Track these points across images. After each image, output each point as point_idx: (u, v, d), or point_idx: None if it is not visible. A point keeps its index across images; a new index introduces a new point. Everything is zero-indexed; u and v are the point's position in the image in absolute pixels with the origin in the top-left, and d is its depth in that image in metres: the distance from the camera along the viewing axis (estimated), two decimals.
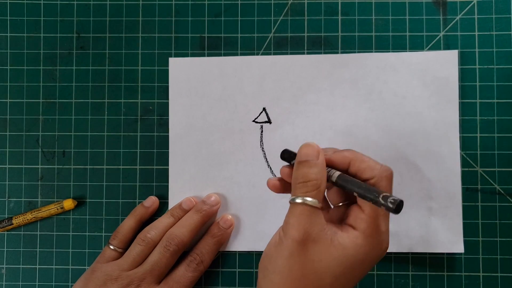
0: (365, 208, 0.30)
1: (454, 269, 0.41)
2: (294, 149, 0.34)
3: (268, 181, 0.35)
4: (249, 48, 0.43)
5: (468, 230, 0.41)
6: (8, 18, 0.44)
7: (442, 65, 0.41)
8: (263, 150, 0.42)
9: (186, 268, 0.39)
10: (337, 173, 0.31)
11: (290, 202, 0.31)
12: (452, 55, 0.41)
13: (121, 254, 0.40)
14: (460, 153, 0.41)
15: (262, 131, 0.42)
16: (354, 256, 0.30)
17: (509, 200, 0.41)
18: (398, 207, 0.28)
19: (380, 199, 0.29)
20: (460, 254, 0.41)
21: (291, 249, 0.30)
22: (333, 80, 0.42)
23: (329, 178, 0.31)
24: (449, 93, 0.41)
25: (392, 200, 0.28)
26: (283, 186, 0.34)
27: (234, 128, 0.42)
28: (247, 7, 0.43)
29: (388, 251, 0.40)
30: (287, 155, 0.34)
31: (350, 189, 0.30)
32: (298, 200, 0.30)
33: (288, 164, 0.34)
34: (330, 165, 0.32)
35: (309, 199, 0.30)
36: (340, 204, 0.34)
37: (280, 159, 0.34)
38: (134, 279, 0.37)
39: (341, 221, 0.32)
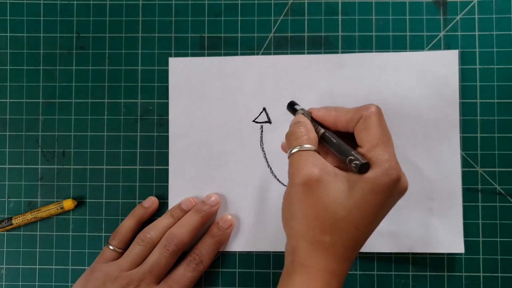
0: (362, 142, 0.32)
1: (454, 269, 0.41)
2: None
3: (282, 144, 0.39)
4: (249, 48, 0.43)
5: (469, 230, 0.41)
6: (8, 18, 0.44)
7: (443, 65, 0.41)
8: (263, 150, 0.42)
9: (185, 268, 0.39)
10: (322, 130, 0.34)
11: (288, 157, 0.33)
12: (453, 55, 0.41)
13: (121, 255, 0.40)
14: (461, 153, 0.41)
15: (262, 131, 0.42)
16: (362, 187, 0.30)
17: (509, 200, 0.41)
18: (360, 170, 0.30)
19: (347, 160, 0.31)
20: (461, 254, 0.41)
21: (298, 193, 0.31)
22: (333, 80, 0.42)
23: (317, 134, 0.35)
24: (450, 93, 0.41)
25: (354, 165, 0.31)
26: None
27: (234, 128, 0.42)
28: (247, 7, 0.43)
29: (388, 251, 0.41)
30: (291, 108, 0.38)
31: (331, 145, 0.34)
32: (294, 150, 0.33)
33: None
34: (322, 121, 0.35)
35: (303, 145, 0.33)
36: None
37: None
38: (134, 279, 0.37)
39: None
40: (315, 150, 0.33)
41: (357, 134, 0.33)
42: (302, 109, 0.37)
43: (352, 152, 0.31)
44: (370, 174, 0.30)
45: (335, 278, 0.31)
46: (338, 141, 0.33)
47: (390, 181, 0.30)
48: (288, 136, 0.34)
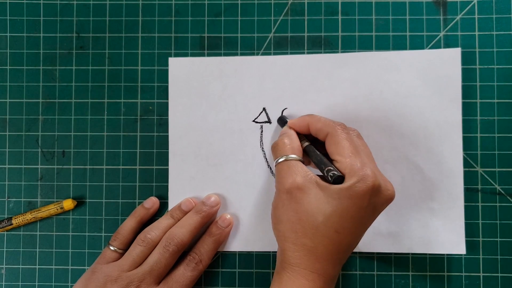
0: (334, 156, 0.35)
1: (454, 269, 0.41)
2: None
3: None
4: (249, 48, 0.43)
5: (469, 231, 0.41)
6: (8, 18, 0.44)
7: (445, 64, 0.41)
8: (263, 150, 0.42)
9: (185, 268, 0.39)
10: (306, 143, 0.37)
11: (274, 166, 0.37)
12: (455, 53, 0.41)
13: (122, 255, 0.40)
14: (462, 153, 0.41)
15: (262, 131, 0.42)
16: (339, 193, 0.33)
17: (509, 200, 0.41)
18: (335, 181, 0.33)
19: (325, 171, 0.34)
20: (461, 254, 0.41)
21: (283, 200, 0.35)
22: (333, 80, 0.42)
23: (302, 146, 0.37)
24: (452, 92, 0.41)
25: (331, 175, 0.33)
26: None
27: (234, 128, 0.42)
28: (247, 7, 0.43)
29: (388, 251, 0.41)
30: (281, 121, 0.41)
31: (310, 157, 0.37)
32: (280, 160, 0.36)
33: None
34: (298, 129, 0.38)
35: (287, 156, 0.36)
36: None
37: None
38: (134, 280, 0.37)
39: None
40: (299, 160, 0.36)
41: (328, 148, 0.35)
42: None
43: (328, 166, 0.34)
44: (346, 182, 0.33)
45: (321, 277, 0.34)
46: (318, 154, 0.36)
47: (366, 188, 0.32)
48: (274, 147, 0.38)
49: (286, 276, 0.34)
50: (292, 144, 0.37)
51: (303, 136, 0.38)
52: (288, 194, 0.34)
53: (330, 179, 0.34)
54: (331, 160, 0.35)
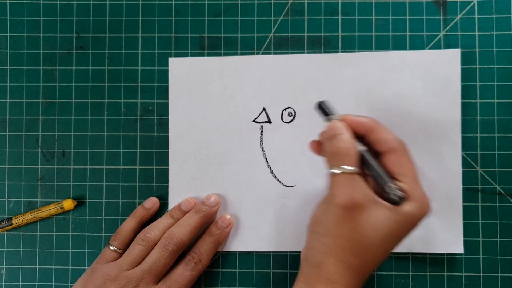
0: (396, 176, 0.33)
1: (454, 269, 0.41)
2: (298, 149, 0.39)
3: (310, 142, 0.37)
4: (249, 48, 0.43)
5: (468, 230, 0.41)
6: (8, 18, 0.44)
7: (444, 64, 0.41)
8: (263, 150, 0.42)
9: (184, 268, 0.39)
10: (362, 148, 0.34)
11: (329, 174, 0.33)
12: (454, 54, 0.41)
13: (121, 255, 0.40)
14: (461, 153, 0.41)
15: (262, 131, 0.42)
16: (398, 218, 0.32)
17: (509, 200, 0.41)
18: (396, 202, 0.32)
19: (387, 189, 0.32)
20: (460, 254, 0.41)
21: (338, 215, 0.32)
22: (333, 80, 0.42)
23: None
24: (451, 93, 0.41)
25: (396, 195, 0.32)
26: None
27: (234, 128, 0.42)
28: (247, 7, 0.43)
29: None
30: (323, 108, 0.35)
31: (368, 166, 0.34)
32: (336, 170, 0.33)
33: (318, 139, 0.36)
34: (352, 129, 0.34)
35: (346, 167, 0.32)
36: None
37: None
38: (132, 279, 0.37)
39: (375, 186, 0.35)
40: (358, 172, 0.33)
41: (389, 165, 0.34)
42: (339, 116, 0.35)
43: (391, 184, 0.33)
44: (407, 207, 0.32)
45: None
46: (377, 166, 0.33)
47: (422, 215, 0.33)
48: (333, 153, 0.33)
49: None
50: (351, 152, 0.33)
51: (355, 137, 0.34)
52: (346, 210, 0.32)
53: (393, 198, 0.32)
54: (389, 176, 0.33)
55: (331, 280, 0.32)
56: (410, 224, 0.32)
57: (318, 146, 0.37)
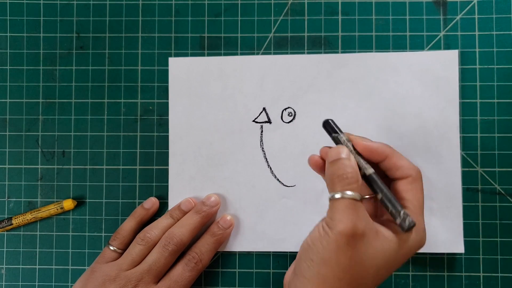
0: (405, 203, 0.32)
1: (454, 269, 0.41)
2: (298, 149, 0.38)
3: (310, 157, 0.35)
4: (249, 48, 0.43)
5: (469, 230, 0.41)
6: (8, 18, 0.44)
7: (443, 65, 0.41)
8: (263, 150, 0.42)
9: (184, 268, 0.39)
10: (370, 170, 0.32)
11: (330, 199, 0.32)
12: (453, 55, 0.41)
13: (121, 255, 0.40)
14: (461, 153, 0.41)
15: (262, 131, 0.42)
16: (396, 249, 0.31)
17: (509, 200, 0.41)
18: (407, 229, 0.31)
19: (398, 214, 0.31)
20: (461, 254, 0.41)
21: (339, 242, 0.30)
22: (333, 80, 0.42)
23: (360, 171, 0.32)
24: (450, 93, 0.41)
25: (408, 221, 0.31)
26: (324, 165, 0.35)
27: (234, 128, 0.42)
28: (247, 7, 0.43)
29: None
30: (330, 127, 0.34)
31: (376, 190, 0.32)
32: (338, 195, 0.31)
33: (318, 156, 0.35)
34: (365, 154, 0.33)
35: (349, 192, 0.31)
36: (368, 196, 0.34)
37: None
38: (132, 279, 0.37)
39: (373, 213, 0.34)
40: (360, 200, 0.31)
41: (401, 191, 0.33)
42: (346, 138, 0.34)
43: (403, 210, 0.31)
44: (409, 237, 0.32)
45: None
46: (389, 191, 0.32)
47: (419, 247, 0.33)
48: (334, 177, 0.32)
49: None
50: (356, 179, 0.31)
51: (364, 159, 0.33)
52: (347, 238, 0.30)
53: (400, 226, 0.31)
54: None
55: None
56: (407, 254, 0.32)
57: (318, 163, 0.35)
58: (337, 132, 0.34)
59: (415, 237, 0.32)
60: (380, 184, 0.32)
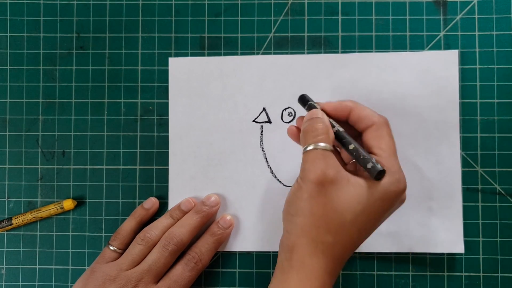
0: (374, 150, 0.33)
1: (454, 269, 0.41)
2: (298, 149, 0.39)
3: (288, 128, 0.37)
4: (249, 48, 0.43)
5: (469, 230, 0.41)
6: (8, 18, 0.44)
7: (443, 65, 0.41)
8: (263, 150, 0.42)
9: (184, 267, 0.39)
10: (339, 128, 0.34)
11: (303, 152, 0.33)
12: (453, 55, 0.41)
13: (121, 255, 0.40)
14: (461, 153, 0.41)
15: (262, 131, 0.42)
16: (372, 193, 0.31)
17: (509, 200, 0.41)
18: (376, 177, 0.31)
19: (365, 163, 0.32)
20: (461, 254, 0.41)
21: (310, 191, 0.32)
22: (333, 80, 0.42)
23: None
24: (450, 93, 0.41)
25: (375, 167, 0.31)
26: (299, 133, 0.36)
27: (234, 128, 0.42)
28: (247, 7, 0.43)
29: (388, 251, 0.41)
30: (304, 99, 0.37)
31: (346, 145, 0.33)
32: (310, 147, 0.33)
33: (295, 125, 0.38)
34: (333, 113, 0.35)
35: (320, 144, 0.32)
36: (353, 161, 0.35)
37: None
38: (132, 279, 0.37)
39: (353, 170, 0.35)
40: (331, 150, 0.33)
41: (368, 140, 0.34)
42: (317, 103, 0.36)
43: (371, 159, 0.32)
44: (382, 182, 0.32)
45: (330, 277, 0.32)
46: (355, 143, 0.33)
47: (398, 191, 0.32)
48: (306, 132, 0.34)
49: (296, 277, 0.32)
50: (326, 131, 0.33)
51: (334, 120, 0.35)
52: (317, 186, 0.31)
53: (370, 174, 0.32)
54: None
55: (303, 263, 0.32)
56: (386, 200, 0.32)
57: (294, 132, 0.37)
58: (310, 101, 0.36)
59: (389, 180, 0.32)
60: (349, 138, 0.33)
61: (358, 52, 0.42)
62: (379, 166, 0.31)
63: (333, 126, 0.34)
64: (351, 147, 0.33)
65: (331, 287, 0.33)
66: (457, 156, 0.41)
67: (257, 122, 0.42)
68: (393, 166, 0.32)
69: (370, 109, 0.34)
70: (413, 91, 0.41)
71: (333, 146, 0.34)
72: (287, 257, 0.33)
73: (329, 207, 0.31)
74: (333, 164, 0.32)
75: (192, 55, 0.43)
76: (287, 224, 0.34)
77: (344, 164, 0.36)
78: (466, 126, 0.42)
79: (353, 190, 0.31)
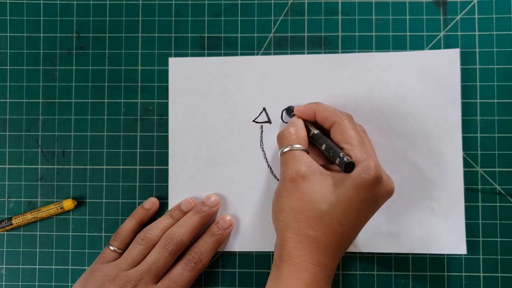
0: (340, 145, 0.35)
1: (454, 269, 0.41)
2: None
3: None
4: (249, 48, 0.43)
5: (469, 231, 0.41)
6: (8, 18, 0.44)
7: (444, 64, 0.41)
8: (263, 150, 0.42)
9: (183, 268, 0.39)
10: (315, 131, 0.37)
11: (279, 155, 0.37)
12: (454, 54, 0.41)
13: (121, 255, 0.40)
14: (461, 152, 0.41)
15: (262, 131, 0.42)
16: (343, 182, 0.33)
17: (509, 200, 0.41)
18: (346, 169, 0.33)
19: (335, 158, 0.34)
20: (461, 254, 0.41)
21: (288, 188, 0.35)
22: (333, 80, 0.42)
23: (308, 134, 0.38)
24: (451, 92, 0.41)
25: (344, 160, 0.33)
26: None
27: (234, 128, 0.42)
28: (247, 7, 0.43)
29: (388, 251, 0.41)
30: (289, 110, 0.41)
31: (319, 145, 0.36)
32: (285, 149, 0.36)
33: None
34: (304, 116, 0.38)
35: (294, 145, 0.36)
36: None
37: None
38: (131, 279, 0.37)
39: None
40: (303, 150, 0.36)
41: (334, 137, 0.36)
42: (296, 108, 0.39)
43: (340, 153, 0.34)
44: (352, 172, 0.33)
45: (322, 270, 0.33)
46: (328, 141, 0.36)
47: (370, 178, 0.33)
48: (279, 136, 0.38)
49: (286, 270, 0.33)
50: (298, 134, 0.37)
51: (311, 124, 0.38)
52: (292, 183, 0.34)
53: (341, 165, 0.33)
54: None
55: (291, 256, 0.33)
56: (360, 189, 0.32)
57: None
58: (292, 111, 0.40)
59: (357, 169, 0.33)
60: (322, 139, 0.36)
61: (358, 52, 0.42)
62: (346, 159, 0.33)
63: (310, 130, 0.37)
64: (323, 147, 0.36)
65: (327, 281, 0.34)
66: (459, 156, 0.41)
67: (257, 122, 0.42)
68: (359, 155, 0.34)
69: (332, 108, 0.37)
70: (413, 90, 0.41)
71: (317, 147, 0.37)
72: (278, 253, 0.35)
73: (305, 200, 0.34)
74: (304, 160, 0.35)
75: (192, 55, 0.43)
76: (275, 223, 0.36)
77: (329, 163, 0.37)
78: (466, 126, 0.42)
79: (325, 181, 0.34)
